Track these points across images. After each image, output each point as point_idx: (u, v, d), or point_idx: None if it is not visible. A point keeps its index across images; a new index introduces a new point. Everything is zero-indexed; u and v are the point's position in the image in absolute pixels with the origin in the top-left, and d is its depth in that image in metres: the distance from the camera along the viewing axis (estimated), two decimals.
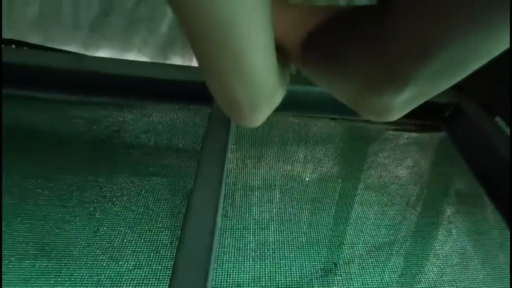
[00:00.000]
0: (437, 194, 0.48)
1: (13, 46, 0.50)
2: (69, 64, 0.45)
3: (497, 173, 0.45)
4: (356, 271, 0.34)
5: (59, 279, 0.29)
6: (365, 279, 0.33)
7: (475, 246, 0.41)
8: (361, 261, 0.35)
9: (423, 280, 0.35)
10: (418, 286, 0.35)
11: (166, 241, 0.32)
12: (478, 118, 0.50)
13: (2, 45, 0.50)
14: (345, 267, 0.34)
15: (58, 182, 0.38)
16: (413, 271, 0.36)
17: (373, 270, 0.34)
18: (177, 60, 0.68)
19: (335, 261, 0.35)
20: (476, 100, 0.52)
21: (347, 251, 0.36)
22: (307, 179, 0.46)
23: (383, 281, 0.33)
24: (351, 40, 0.19)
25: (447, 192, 0.49)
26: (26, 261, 0.29)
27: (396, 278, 0.34)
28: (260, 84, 0.20)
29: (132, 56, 0.67)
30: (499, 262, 0.40)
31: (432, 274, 0.37)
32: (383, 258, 0.36)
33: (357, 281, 0.33)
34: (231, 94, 0.20)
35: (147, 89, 0.48)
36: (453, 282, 0.36)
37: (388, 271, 0.35)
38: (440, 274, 0.37)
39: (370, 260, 0.35)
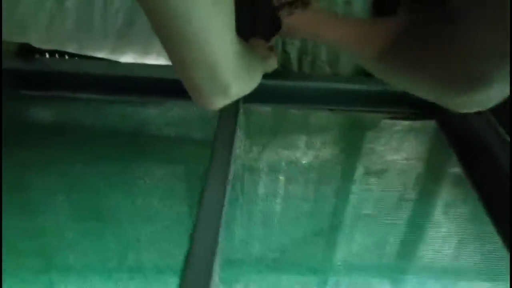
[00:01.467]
0: (424, 176, 0.53)
1: (57, 55, 0.60)
2: (104, 70, 0.55)
3: (480, 158, 0.50)
4: (339, 236, 0.41)
5: (107, 236, 0.38)
6: (346, 243, 0.40)
7: (452, 222, 0.46)
8: (345, 229, 0.42)
9: (396, 247, 0.42)
10: (390, 251, 0.41)
11: (186, 210, 0.41)
12: None
13: (47, 55, 0.60)
14: (331, 232, 0.41)
15: (100, 166, 0.47)
16: (390, 240, 0.42)
17: (354, 236, 0.41)
18: None
19: (323, 227, 0.42)
20: None
21: (334, 220, 0.43)
22: (303, 161, 0.53)
23: (359, 243, 0.40)
24: (429, 49, 0.21)
25: (432, 174, 0.54)
26: (82, 222, 0.39)
27: (373, 243, 0.41)
28: (215, 77, 0.24)
29: (151, 59, 0.76)
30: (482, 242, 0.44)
31: (409, 244, 0.43)
32: (363, 227, 0.43)
33: (338, 243, 0.40)
34: (190, 80, 0.25)
35: (167, 88, 0.56)
36: (428, 251, 0.42)
37: (367, 237, 0.41)
38: (416, 243, 0.43)
39: (352, 229, 0.42)
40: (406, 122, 0.62)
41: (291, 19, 0.37)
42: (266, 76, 0.55)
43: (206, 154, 0.49)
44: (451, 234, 0.45)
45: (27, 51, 0.55)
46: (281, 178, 0.50)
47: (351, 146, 0.60)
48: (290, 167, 0.52)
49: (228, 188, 0.40)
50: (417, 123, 0.61)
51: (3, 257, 0.35)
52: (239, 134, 0.51)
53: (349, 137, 0.62)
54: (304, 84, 0.60)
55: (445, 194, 0.51)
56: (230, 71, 0.25)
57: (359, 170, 0.54)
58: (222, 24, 0.22)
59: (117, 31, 0.71)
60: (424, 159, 0.56)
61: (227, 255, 0.37)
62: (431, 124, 0.61)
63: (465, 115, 0.53)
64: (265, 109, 0.60)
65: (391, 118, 0.62)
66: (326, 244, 0.41)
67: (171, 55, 0.24)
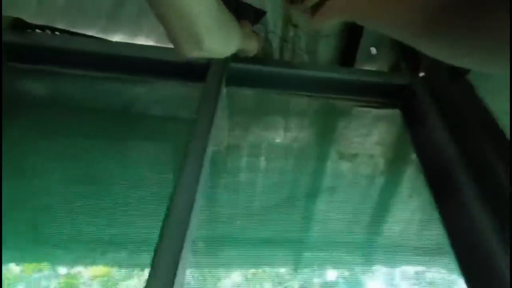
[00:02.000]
0: (388, 161, 0.60)
1: (48, 31, 0.62)
2: (95, 48, 0.58)
3: (430, 148, 0.57)
4: (306, 202, 0.48)
5: (98, 198, 0.43)
6: (310, 207, 0.47)
7: (409, 203, 0.53)
8: (315, 203, 0.49)
9: (362, 223, 0.49)
10: (357, 226, 0.48)
11: (169, 175, 0.46)
12: (425, 99, 0.60)
13: (38, 30, 0.62)
14: (300, 199, 0.48)
15: (90, 138, 0.51)
16: (356, 216, 0.49)
17: (323, 212, 0.48)
18: None
19: (293, 195, 0.48)
20: (426, 85, 0.62)
21: (302, 190, 0.49)
22: (280, 142, 0.58)
23: (328, 217, 0.47)
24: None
25: (395, 160, 0.61)
26: (75, 186, 0.44)
27: (341, 218, 0.48)
28: (189, 29, 0.29)
29: (141, 40, 0.78)
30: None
31: (372, 220, 0.50)
32: (332, 203, 0.50)
33: (303, 208, 0.47)
34: (169, 30, 0.31)
35: (156, 68, 0.60)
36: (385, 227, 0.49)
37: (336, 213, 0.48)
38: (377, 220, 0.50)
39: (321, 205, 0.49)
40: (375, 110, 0.68)
41: (320, 16, 0.34)
42: (249, 61, 0.60)
43: (188, 130, 0.54)
44: (407, 214, 0.52)
45: (21, 25, 0.57)
46: (258, 155, 0.56)
47: (326, 130, 0.66)
48: (267, 146, 0.58)
49: (206, 161, 0.45)
50: (385, 112, 0.68)
51: (3, 213, 0.39)
52: (219, 113, 0.56)
53: (324, 122, 0.68)
54: (285, 70, 0.65)
55: (404, 177, 0.58)
56: (204, 27, 0.30)
57: (332, 153, 0.60)
58: None
59: (108, 11, 0.72)
60: (389, 145, 0.63)
61: (203, 216, 0.43)
62: (394, 112, 0.67)
63: (427, 108, 0.59)
64: (247, 93, 0.65)
65: (363, 106, 0.68)
66: (298, 217, 0.48)
67: (153, 8, 0.29)
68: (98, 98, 0.59)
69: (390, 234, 0.49)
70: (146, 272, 0.33)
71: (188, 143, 0.45)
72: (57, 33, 0.62)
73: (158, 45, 0.75)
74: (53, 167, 0.47)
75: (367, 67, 0.71)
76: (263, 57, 0.66)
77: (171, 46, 0.81)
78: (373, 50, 0.69)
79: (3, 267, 0.36)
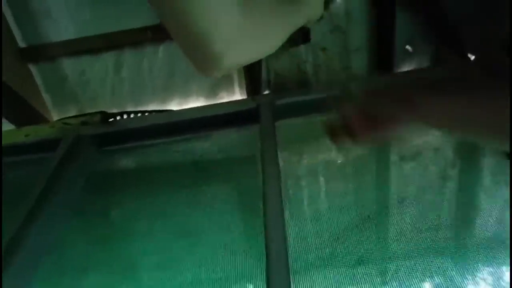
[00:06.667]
0: (461, 148, 0.56)
1: (125, 115, 0.76)
2: (164, 119, 0.69)
3: None
4: (387, 222, 0.47)
5: (198, 246, 0.49)
6: (395, 227, 0.46)
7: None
8: (390, 214, 0.48)
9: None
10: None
11: (252, 218, 0.51)
12: None
13: (118, 117, 0.77)
14: (379, 219, 0.48)
15: (176, 193, 0.60)
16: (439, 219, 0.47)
17: (402, 220, 0.47)
18: (223, 95, 0.90)
19: (369, 215, 0.48)
20: None
21: (379, 207, 0.49)
22: (339, 161, 0.60)
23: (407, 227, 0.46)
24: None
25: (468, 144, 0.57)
26: (177, 239, 0.51)
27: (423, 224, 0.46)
28: (206, 47, 0.24)
29: (192, 101, 0.91)
30: None
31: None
32: (407, 211, 0.49)
33: (388, 228, 0.46)
34: (183, 51, 0.27)
35: (212, 123, 0.69)
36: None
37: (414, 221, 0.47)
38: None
39: (397, 214, 0.48)
40: None
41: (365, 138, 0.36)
42: (291, 95, 0.65)
43: (256, 168, 0.59)
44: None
45: (106, 117, 0.72)
46: (319, 178, 0.58)
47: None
48: (328, 167, 0.60)
49: (283, 192, 0.49)
50: None
51: None
52: (279, 147, 0.61)
53: None
54: (323, 94, 0.68)
55: (487, 163, 0.53)
56: (222, 44, 0.25)
57: (394, 157, 0.59)
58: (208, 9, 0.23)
59: (162, 86, 0.87)
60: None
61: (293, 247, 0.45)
62: None
63: None
64: (297, 122, 0.69)
65: None
66: (377, 231, 0.47)
67: (167, 27, 0.25)
68: (175, 159, 0.68)
69: None
70: None
71: (263, 182, 0.50)
72: (131, 115, 0.76)
73: (209, 102, 0.86)
74: (154, 227, 0.55)
75: (408, 67, 0.71)
76: (301, 88, 0.70)
77: (222, 100, 0.92)
78: (409, 48, 0.69)
79: None
